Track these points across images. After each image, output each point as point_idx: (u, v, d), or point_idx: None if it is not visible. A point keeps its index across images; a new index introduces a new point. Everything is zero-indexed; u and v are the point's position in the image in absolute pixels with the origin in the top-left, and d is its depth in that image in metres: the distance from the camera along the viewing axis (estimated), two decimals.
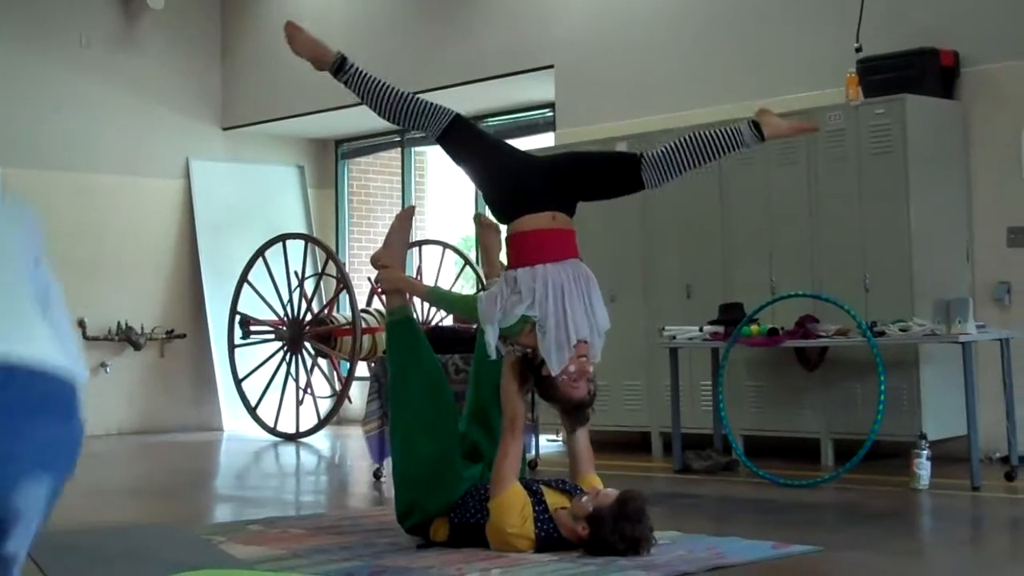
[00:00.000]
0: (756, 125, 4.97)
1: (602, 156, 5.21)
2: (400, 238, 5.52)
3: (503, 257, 5.32)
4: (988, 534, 5.82)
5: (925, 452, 6.69)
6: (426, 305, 10.66)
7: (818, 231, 8.09)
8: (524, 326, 4.81)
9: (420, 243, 11.90)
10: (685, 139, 4.97)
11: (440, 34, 11.13)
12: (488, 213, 5.57)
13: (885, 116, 7.82)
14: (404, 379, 5.20)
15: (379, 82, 5.19)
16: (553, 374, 4.76)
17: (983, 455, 7.15)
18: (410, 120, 5.20)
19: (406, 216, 5.61)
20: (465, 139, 5.24)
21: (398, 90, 5.18)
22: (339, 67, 5.27)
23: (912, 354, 7.57)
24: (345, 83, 5.28)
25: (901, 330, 7.07)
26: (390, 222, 5.67)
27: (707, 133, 4.97)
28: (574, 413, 4.91)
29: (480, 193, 5.31)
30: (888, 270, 7.77)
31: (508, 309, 4.81)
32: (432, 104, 5.19)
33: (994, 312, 7.79)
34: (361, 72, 5.23)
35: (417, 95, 5.20)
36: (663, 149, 4.98)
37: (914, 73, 7.96)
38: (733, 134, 4.95)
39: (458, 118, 5.21)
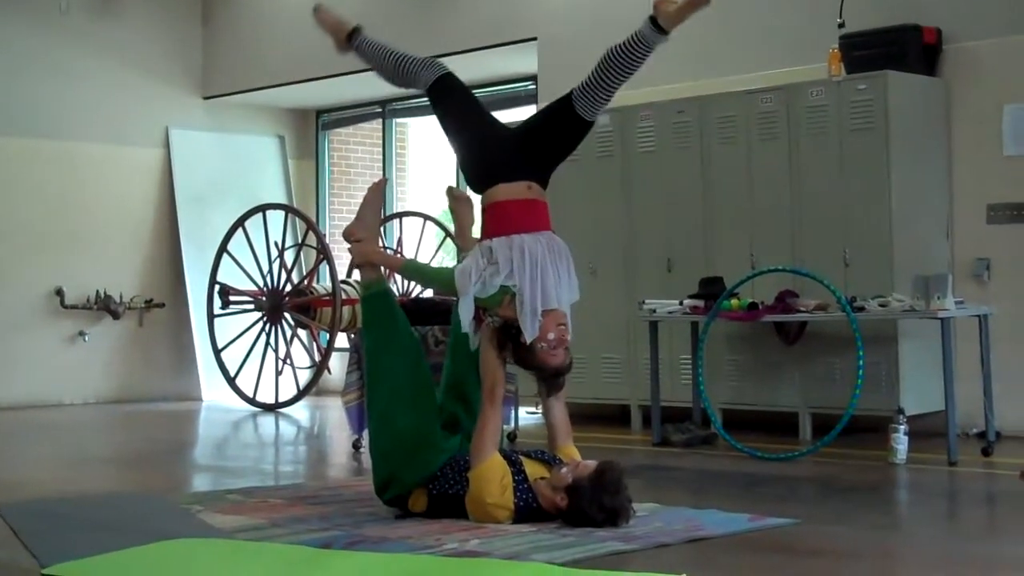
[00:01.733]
0: (654, 20, 4.91)
1: (546, 110, 5.19)
2: (372, 211, 5.48)
3: (476, 231, 5.31)
4: (964, 509, 5.85)
5: (903, 427, 6.72)
6: (401, 279, 10.67)
7: (799, 206, 8.10)
8: (504, 296, 4.82)
9: (400, 215, 11.88)
10: (602, 61, 4.96)
11: (423, 5, 11.07)
12: (464, 183, 5.56)
13: (867, 92, 7.82)
14: (381, 352, 5.19)
15: (382, 48, 5.38)
16: (528, 341, 4.78)
17: (960, 430, 7.19)
18: (407, 79, 5.33)
19: (377, 188, 5.57)
20: (447, 95, 5.27)
21: (394, 52, 5.32)
22: (351, 39, 5.33)
23: (891, 329, 7.60)
24: (358, 54, 5.47)
25: (880, 305, 7.09)
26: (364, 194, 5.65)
27: (618, 48, 4.95)
28: (551, 380, 4.95)
29: (457, 161, 5.30)
30: (868, 246, 7.79)
31: (487, 279, 4.82)
32: (424, 59, 5.30)
33: (973, 288, 7.82)
34: (369, 42, 5.45)
35: (410, 54, 5.23)
36: (588, 78, 4.98)
37: (896, 49, 7.97)
38: (637, 38, 4.93)
39: (448, 75, 5.26)
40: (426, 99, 5.42)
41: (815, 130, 8.04)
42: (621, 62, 4.93)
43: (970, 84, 8.03)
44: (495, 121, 5.30)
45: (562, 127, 5.07)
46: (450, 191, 5.71)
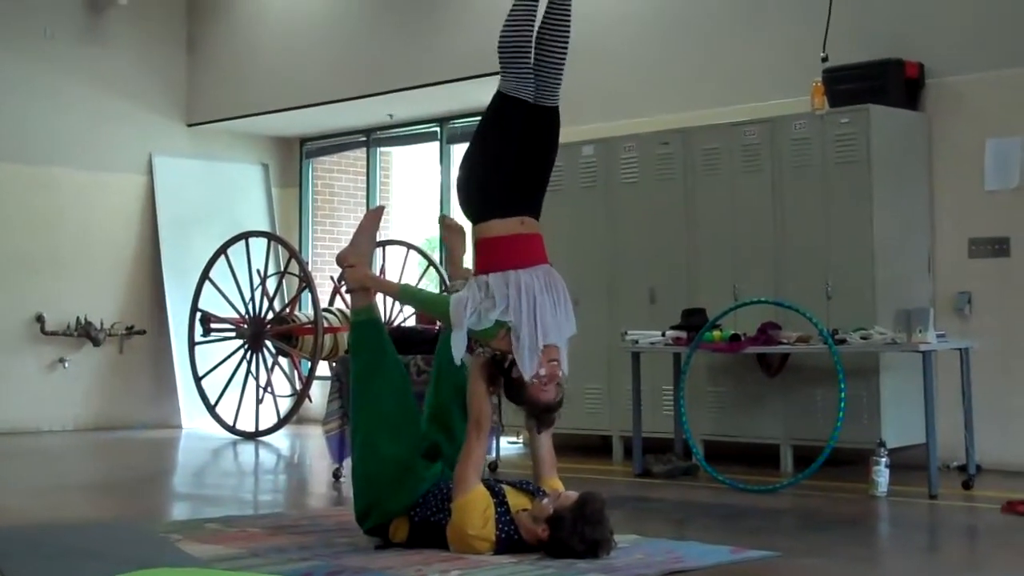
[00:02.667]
0: None
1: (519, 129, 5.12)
2: (367, 237, 5.49)
3: (467, 260, 5.30)
4: (945, 542, 5.85)
5: (884, 459, 6.73)
6: (389, 304, 10.65)
7: (782, 238, 8.12)
8: (499, 330, 4.82)
9: (384, 243, 11.87)
10: (535, 47, 5.02)
11: (409, 36, 11.09)
12: (457, 208, 5.53)
13: (850, 125, 7.86)
14: (367, 380, 5.18)
15: (528, 18, 5.05)
16: (526, 378, 4.76)
17: (941, 463, 7.19)
18: (508, 59, 5.04)
19: (375, 216, 5.59)
20: (510, 118, 5.05)
21: (528, 34, 5.05)
22: None
23: (872, 362, 7.61)
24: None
25: (862, 338, 7.11)
26: (354, 222, 5.65)
27: (541, 26, 5.04)
28: (541, 416, 4.93)
29: (461, 174, 5.19)
30: (850, 278, 7.81)
31: (483, 313, 4.81)
32: (529, 70, 5.04)
33: (954, 322, 7.84)
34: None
35: (530, 52, 5.05)
36: (534, 68, 5.02)
37: (879, 84, 8.01)
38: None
39: (523, 104, 5.04)
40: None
41: (798, 163, 8.07)
42: (554, 33, 5.00)
43: (952, 118, 8.07)
44: (512, 162, 5.18)
45: (537, 136, 5.05)
46: (443, 220, 5.70)
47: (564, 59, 5.08)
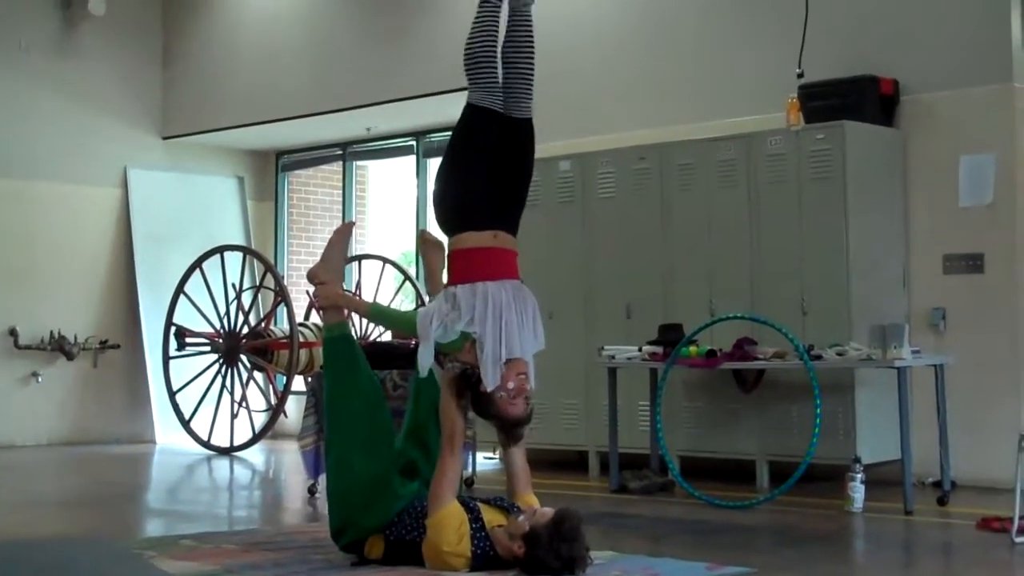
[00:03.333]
0: None
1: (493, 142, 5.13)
2: (338, 252, 5.48)
3: (446, 276, 5.29)
4: (920, 558, 5.87)
5: (859, 475, 6.74)
6: (364, 320, 10.63)
7: (757, 254, 8.14)
8: (464, 343, 4.81)
9: (359, 258, 11.84)
10: (501, 61, 5.07)
11: (386, 50, 11.09)
12: (432, 221, 5.52)
13: (825, 142, 7.89)
14: (341, 396, 5.17)
15: (492, 26, 5.10)
16: (488, 390, 4.76)
17: (916, 479, 7.21)
18: (474, 70, 5.11)
19: (344, 231, 5.58)
20: (480, 130, 5.08)
21: (491, 45, 5.09)
22: None
23: (848, 378, 7.63)
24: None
25: (838, 354, 7.13)
26: (330, 236, 5.63)
27: (505, 42, 5.10)
28: (510, 430, 4.91)
29: (436, 189, 5.20)
30: (825, 294, 7.83)
31: (448, 325, 4.81)
32: (496, 81, 5.09)
33: (929, 338, 7.87)
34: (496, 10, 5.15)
35: (496, 62, 5.10)
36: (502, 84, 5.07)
37: (854, 100, 8.04)
38: (513, 14, 5.08)
39: (495, 115, 5.08)
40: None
41: (774, 178, 8.09)
42: (518, 43, 5.06)
43: (927, 135, 8.11)
44: (485, 173, 5.19)
45: (506, 146, 5.05)
46: (422, 235, 5.70)
47: (531, 69, 5.11)
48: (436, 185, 5.19)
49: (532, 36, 5.10)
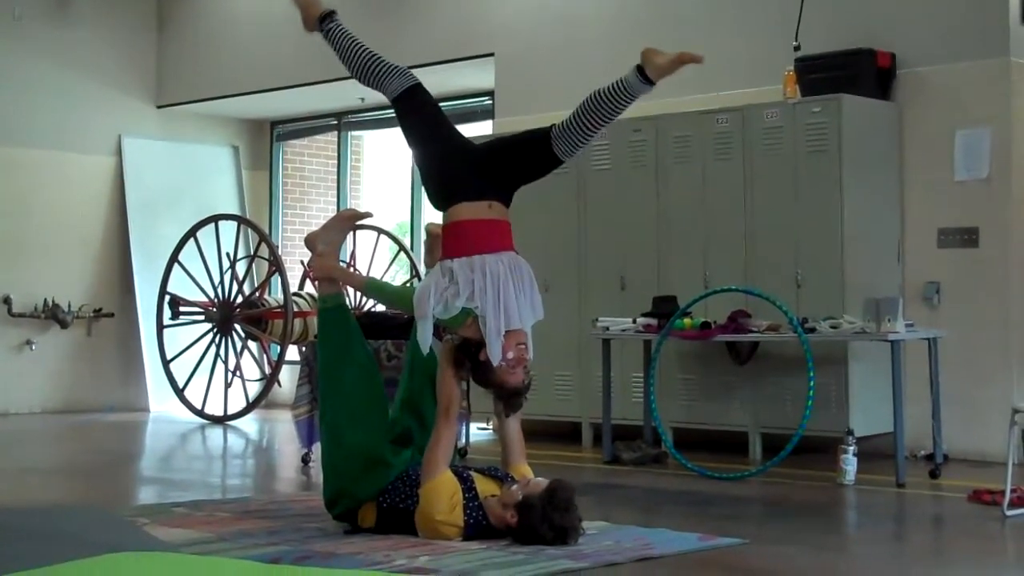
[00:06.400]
0: (641, 69, 4.90)
1: (519, 138, 5.12)
2: (340, 228, 5.53)
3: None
4: (911, 530, 5.89)
5: (852, 448, 6.76)
6: (358, 293, 10.61)
7: (752, 226, 8.14)
8: (466, 318, 4.80)
9: (354, 228, 11.82)
10: (583, 104, 4.92)
11: (380, 19, 11.05)
12: (425, 198, 5.53)
13: (821, 115, 7.87)
14: (335, 367, 5.17)
15: (353, 41, 5.19)
16: (494, 363, 4.75)
17: (908, 452, 7.24)
18: (375, 80, 5.17)
19: (355, 216, 5.63)
20: (416, 108, 5.17)
21: (367, 50, 5.17)
22: (323, 21, 5.20)
23: (841, 351, 7.65)
24: (326, 38, 5.27)
25: (831, 327, 7.14)
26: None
27: (601, 93, 4.90)
28: (509, 399, 4.92)
29: (419, 175, 5.26)
30: (820, 267, 7.84)
31: (448, 301, 4.79)
32: (396, 67, 5.17)
33: (923, 311, 7.88)
34: (342, 29, 5.23)
35: (383, 57, 5.18)
36: (568, 119, 4.94)
37: (851, 73, 8.03)
38: (622, 85, 4.88)
39: (418, 87, 5.18)
40: (389, 110, 5.38)
41: (770, 151, 8.08)
42: (604, 107, 4.88)
43: (923, 109, 8.10)
44: (461, 138, 5.24)
45: (534, 159, 5.04)
46: (427, 228, 5.65)
47: (599, 131, 5.03)
48: (420, 171, 5.23)
49: (622, 111, 5.00)
